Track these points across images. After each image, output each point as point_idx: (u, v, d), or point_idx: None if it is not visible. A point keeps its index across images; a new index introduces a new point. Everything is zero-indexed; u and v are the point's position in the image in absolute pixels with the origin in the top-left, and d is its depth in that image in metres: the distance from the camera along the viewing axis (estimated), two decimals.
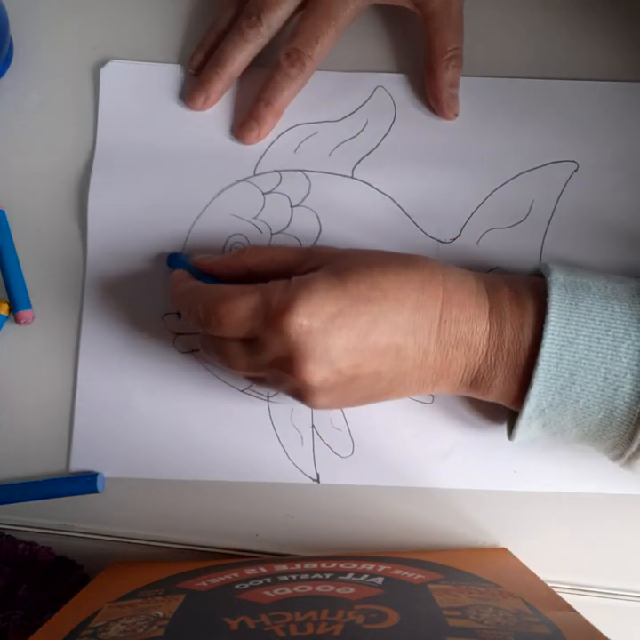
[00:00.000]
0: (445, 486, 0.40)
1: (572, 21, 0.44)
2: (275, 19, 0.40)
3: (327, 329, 0.32)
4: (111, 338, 0.41)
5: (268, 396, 0.41)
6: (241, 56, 0.41)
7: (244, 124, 0.42)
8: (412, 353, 0.33)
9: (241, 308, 0.33)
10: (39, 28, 0.44)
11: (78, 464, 0.40)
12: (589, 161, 0.42)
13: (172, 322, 0.41)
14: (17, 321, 0.41)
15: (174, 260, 0.41)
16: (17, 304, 0.41)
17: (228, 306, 0.34)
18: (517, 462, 0.40)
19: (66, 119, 0.43)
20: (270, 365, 0.34)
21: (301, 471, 0.40)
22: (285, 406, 0.41)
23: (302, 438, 0.41)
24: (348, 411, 0.41)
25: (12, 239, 0.42)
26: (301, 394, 0.34)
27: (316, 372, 0.32)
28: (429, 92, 0.42)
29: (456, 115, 0.42)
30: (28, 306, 0.41)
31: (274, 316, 0.32)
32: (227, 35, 0.41)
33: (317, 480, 0.40)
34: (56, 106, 0.44)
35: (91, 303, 0.42)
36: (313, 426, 0.41)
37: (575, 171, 0.42)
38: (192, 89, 0.42)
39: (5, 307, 0.41)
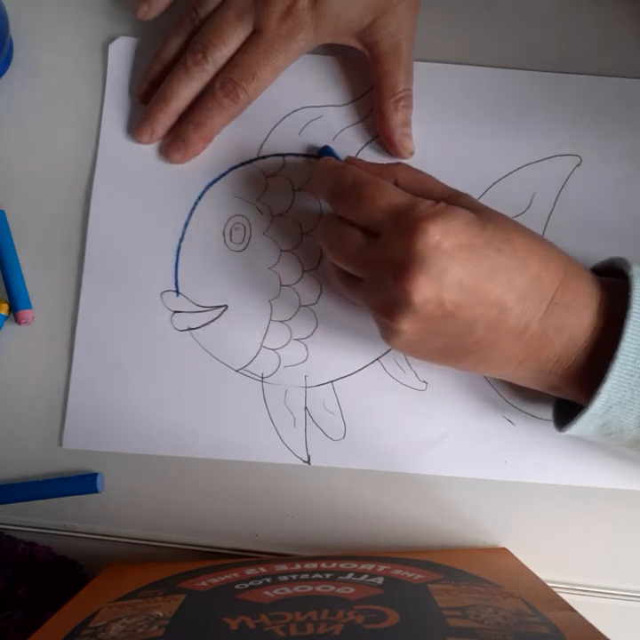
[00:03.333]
0: (436, 473, 0.40)
1: (584, 17, 0.44)
2: (219, 56, 0.40)
3: (453, 255, 0.32)
4: (108, 314, 0.41)
5: (262, 377, 0.41)
6: (185, 92, 0.41)
7: (171, 143, 0.42)
8: (513, 320, 0.33)
9: (386, 198, 0.34)
10: (39, 27, 0.44)
11: (71, 439, 0.41)
12: (592, 155, 0.42)
13: (169, 299, 0.42)
14: (17, 321, 0.41)
15: (326, 152, 0.42)
16: (17, 304, 0.41)
17: (375, 191, 0.34)
18: (508, 453, 0.40)
19: (66, 119, 0.43)
20: (380, 265, 0.34)
21: (293, 452, 0.41)
22: (279, 387, 0.41)
23: (295, 420, 0.41)
24: (342, 394, 0.41)
25: (12, 239, 0.42)
26: (394, 309, 0.33)
27: (423, 288, 0.32)
28: (381, 133, 0.42)
29: (411, 153, 0.42)
30: (28, 306, 0.41)
31: (411, 220, 0.32)
32: (172, 68, 0.41)
33: (308, 462, 0.41)
34: (56, 105, 0.44)
35: (89, 279, 0.42)
36: (306, 408, 0.41)
37: (578, 165, 0.42)
38: (139, 124, 0.42)
39: (5, 307, 0.41)
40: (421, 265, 0.32)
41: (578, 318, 0.33)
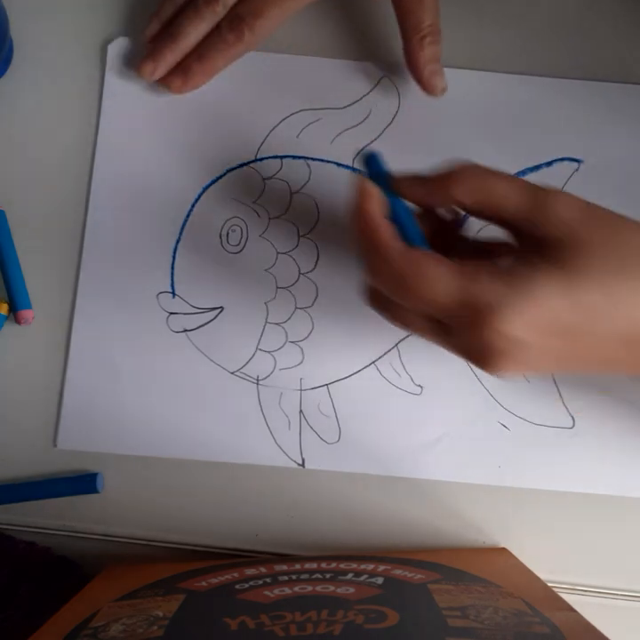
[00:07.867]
0: (430, 477, 0.40)
1: (583, 22, 0.44)
2: None
3: (539, 346, 0.28)
4: (104, 314, 0.41)
5: (257, 380, 0.41)
6: (194, 31, 0.41)
7: (172, 72, 0.42)
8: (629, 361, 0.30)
9: (437, 292, 0.29)
10: (39, 27, 0.44)
11: (65, 440, 0.41)
12: (592, 160, 0.42)
13: (165, 301, 0.42)
14: (17, 321, 0.41)
15: (373, 161, 0.34)
16: (17, 304, 0.41)
17: (420, 283, 0.29)
18: (502, 458, 0.40)
19: (66, 119, 0.43)
20: (459, 352, 0.31)
21: (287, 455, 0.41)
22: (275, 390, 0.41)
23: (290, 423, 0.41)
24: (337, 397, 0.41)
25: (12, 239, 0.42)
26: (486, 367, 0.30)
27: (513, 370, 0.30)
28: (412, 73, 0.41)
29: (444, 90, 0.41)
30: (28, 306, 0.41)
31: (476, 318, 0.28)
32: (183, 9, 0.41)
33: (302, 465, 0.41)
34: (56, 105, 0.43)
35: (85, 280, 0.42)
36: (301, 411, 0.41)
37: (576, 170, 0.42)
38: (143, 59, 0.42)
39: (5, 307, 0.41)
40: (505, 359, 0.28)
41: None
